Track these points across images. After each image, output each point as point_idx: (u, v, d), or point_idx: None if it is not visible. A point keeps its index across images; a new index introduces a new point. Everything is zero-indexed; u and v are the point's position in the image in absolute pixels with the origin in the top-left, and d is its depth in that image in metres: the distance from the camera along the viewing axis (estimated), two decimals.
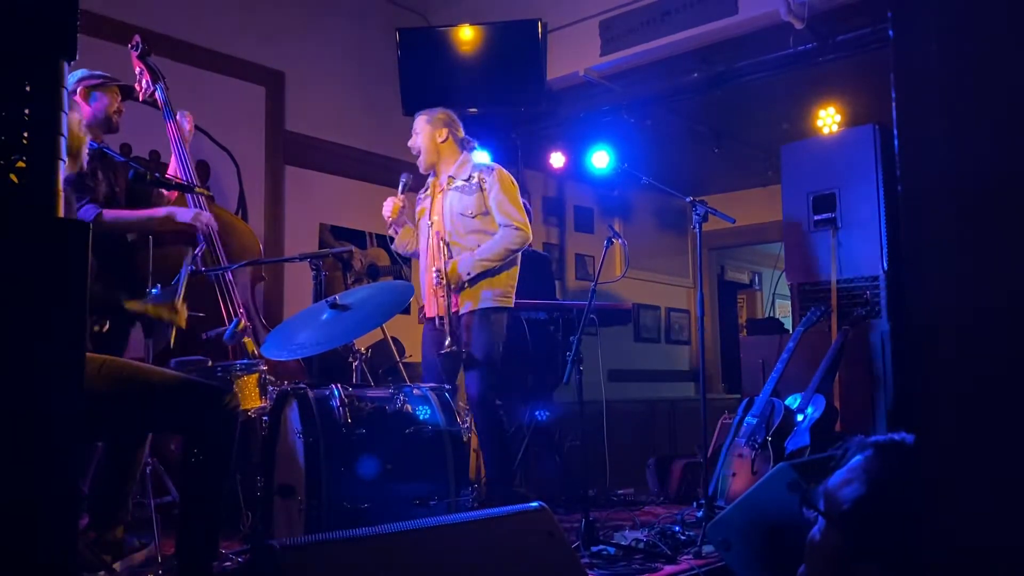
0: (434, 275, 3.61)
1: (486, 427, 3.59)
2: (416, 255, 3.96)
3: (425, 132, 3.79)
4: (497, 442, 3.65)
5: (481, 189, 3.70)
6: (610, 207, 7.28)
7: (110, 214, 3.39)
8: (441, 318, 3.56)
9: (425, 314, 3.74)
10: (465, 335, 3.58)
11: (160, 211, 3.55)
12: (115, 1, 4.21)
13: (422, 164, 3.83)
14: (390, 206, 3.82)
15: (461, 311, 3.60)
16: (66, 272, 1.06)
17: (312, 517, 2.55)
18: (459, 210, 3.69)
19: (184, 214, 3.54)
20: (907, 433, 1.35)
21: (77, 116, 2.53)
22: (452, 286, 3.59)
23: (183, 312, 2.58)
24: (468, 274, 3.58)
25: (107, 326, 2.67)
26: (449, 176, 3.75)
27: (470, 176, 3.73)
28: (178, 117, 3.80)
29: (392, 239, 3.99)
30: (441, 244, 3.64)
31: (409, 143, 3.85)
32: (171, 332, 2.67)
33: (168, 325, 2.60)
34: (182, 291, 2.66)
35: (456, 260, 3.62)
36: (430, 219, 3.77)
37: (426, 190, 3.89)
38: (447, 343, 3.46)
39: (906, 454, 1.30)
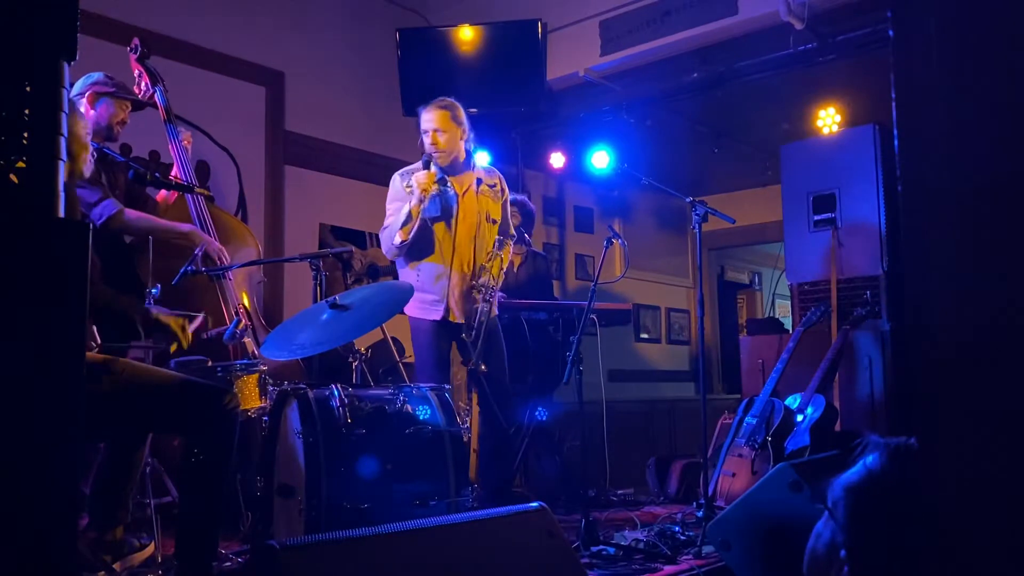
0: (472, 279, 3.52)
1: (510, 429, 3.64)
2: (410, 251, 3.60)
3: (451, 127, 3.58)
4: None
5: (501, 195, 3.73)
6: (610, 207, 7.28)
7: (133, 213, 3.39)
8: (469, 324, 3.43)
9: (443, 317, 3.52)
10: (486, 342, 3.50)
11: (184, 226, 3.55)
12: (115, 1, 4.21)
13: (443, 159, 3.58)
14: (425, 177, 3.48)
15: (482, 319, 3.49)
16: (66, 272, 1.06)
17: (312, 517, 2.54)
18: (487, 215, 3.63)
19: (202, 240, 3.53)
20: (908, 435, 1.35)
21: (83, 122, 2.53)
22: (491, 291, 3.48)
23: (188, 333, 2.59)
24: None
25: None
26: (479, 178, 3.66)
27: (496, 182, 3.71)
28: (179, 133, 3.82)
29: (407, 223, 3.49)
30: (473, 246, 3.57)
31: (428, 140, 3.57)
32: (171, 348, 2.67)
33: (169, 338, 2.61)
34: (195, 323, 2.71)
35: (491, 266, 3.52)
36: (457, 217, 3.57)
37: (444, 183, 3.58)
38: (476, 356, 3.38)
39: (912, 456, 1.31)
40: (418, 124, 3.66)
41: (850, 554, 1.30)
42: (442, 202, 3.56)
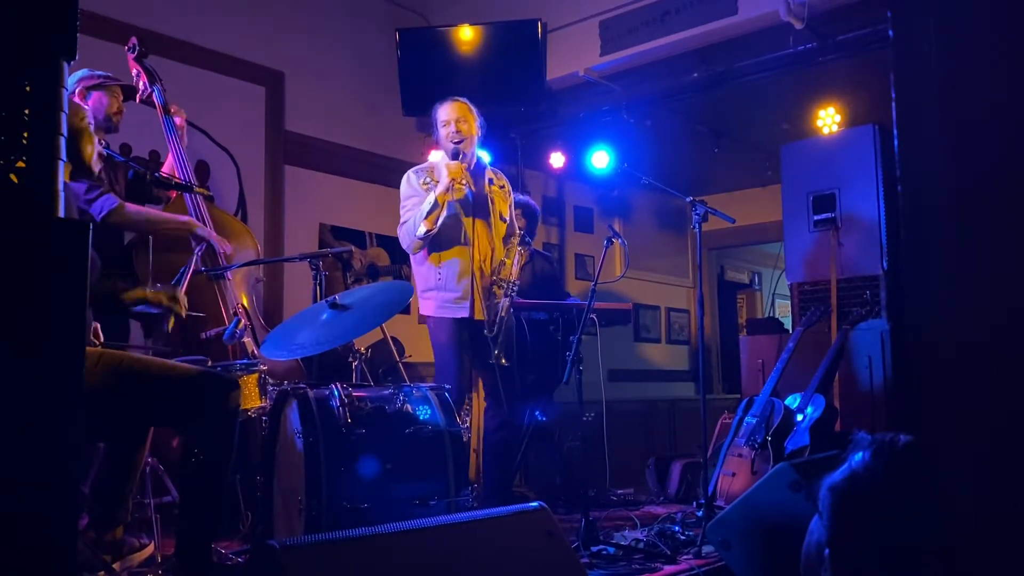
0: (492, 275, 3.53)
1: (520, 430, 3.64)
2: (430, 243, 3.55)
3: (471, 117, 3.61)
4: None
5: (508, 196, 3.75)
6: (610, 207, 7.28)
7: (133, 207, 3.40)
8: (491, 320, 3.44)
9: (469, 315, 3.49)
10: (504, 336, 3.50)
11: (183, 217, 3.56)
12: (115, 1, 4.21)
13: (467, 156, 3.58)
14: (456, 166, 3.45)
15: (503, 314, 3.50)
16: (66, 272, 1.06)
17: (312, 517, 2.55)
18: (499, 213, 3.65)
19: (203, 230, 3.55)
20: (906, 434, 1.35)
21: (83, 112, 2.52)
22: (511, 286, 3.51)
23: (183, 301, 2.57)
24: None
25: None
26: (491, 178, 3.68)
27: (504, 183, 3.74)
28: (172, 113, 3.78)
29: (433, 210, 3.43)
30: (491, 243, 3.59)
31: (452, 129, 3.56)
32: (168, 323, 2.64)
33: (165, 315, 2.58)
34: (185, 282, 2.68)
35: (510, 262, 3.55)
36: (476, 213, 3.57)
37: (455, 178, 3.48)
38: (498, 353, 3.39)
39: (897, 453, 1.31)
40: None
41: (832, 552, 1.30)
42: (467, 193, 3.56)
